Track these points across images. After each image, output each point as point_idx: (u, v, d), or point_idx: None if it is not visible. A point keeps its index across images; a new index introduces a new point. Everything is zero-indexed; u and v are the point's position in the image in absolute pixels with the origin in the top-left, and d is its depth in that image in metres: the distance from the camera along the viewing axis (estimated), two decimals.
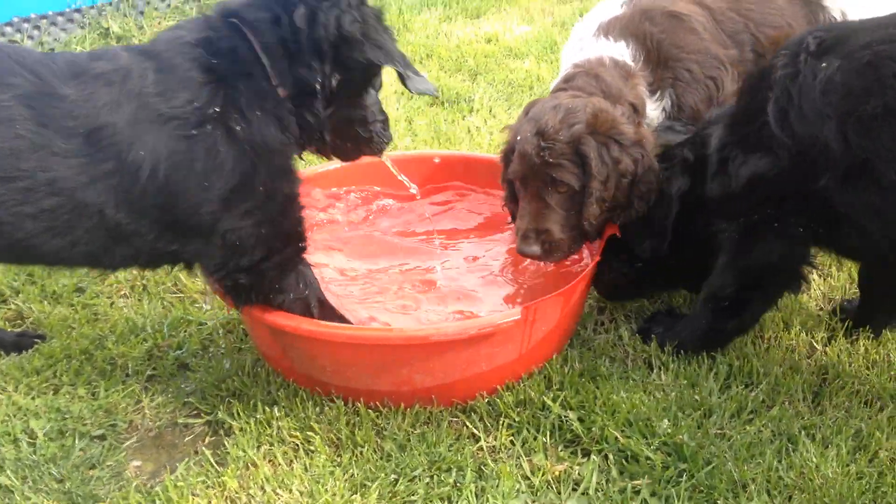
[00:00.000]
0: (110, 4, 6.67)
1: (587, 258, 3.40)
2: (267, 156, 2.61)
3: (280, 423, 2.85)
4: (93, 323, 3.47)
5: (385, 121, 2.95)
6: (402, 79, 2.78)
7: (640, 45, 3.37)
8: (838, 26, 3.18)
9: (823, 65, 2.53)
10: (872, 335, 3.14)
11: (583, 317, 3.31)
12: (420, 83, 2.80)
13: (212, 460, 2.76)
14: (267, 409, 2.90)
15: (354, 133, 2.89)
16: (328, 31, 2.65)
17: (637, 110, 3.26)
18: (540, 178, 3.09)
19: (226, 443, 2.83)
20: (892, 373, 2.96)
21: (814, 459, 2.61)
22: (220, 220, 2.60)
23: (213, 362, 3.20)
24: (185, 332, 3.39)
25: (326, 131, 2.80)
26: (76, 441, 2.87)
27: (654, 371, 3.04)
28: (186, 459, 2.80)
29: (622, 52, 3.37)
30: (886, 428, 2.72)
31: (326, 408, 2.91)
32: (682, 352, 3.08)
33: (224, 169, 2.55)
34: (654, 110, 3.36)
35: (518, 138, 3.14)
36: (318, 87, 2.70)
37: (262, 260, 2.70)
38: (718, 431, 2.75)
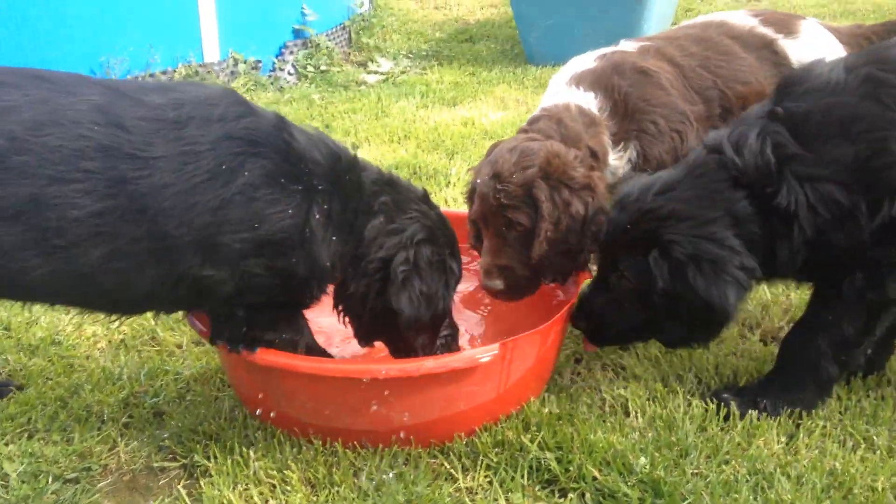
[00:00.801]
0: None
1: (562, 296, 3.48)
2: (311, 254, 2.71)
3: (257, 463, 2.84)
4: (69, 373, 3.46)
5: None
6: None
7: (607, 97, 3.51)
8: None
9: None
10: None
11: (559, 365, 3.34)
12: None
13: (187, 500, 2.73)
14: (244, 450, 2.89)
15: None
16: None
17: (597, 156, 3.38)
18: (498, 217, 3.22)
19: (201, 483, 2.80)
20: (864, 417, 3.00)
21: (789, 496, 2.63)
22: (248, 258, 2.62)
23: (189, 408, 3.19)
24: (162, 381, 3.38)
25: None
26: (49, 483, 2.83)
27: (631, 415, 3.06)
28: (162, 498, 2.76)
29: (589, 101, 3.51)
30: (860, 466, 2.74)
31: (304, 448, 2.90)
32: (800, 411, 3.04)
33: (275, 223, 2.61)
34: (618, 160, 3.47)
35: (478, 180, 3.28)
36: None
37: (267, 301, 2.75)
38: (695, 471, 2.76)
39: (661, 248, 2.81)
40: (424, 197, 3.02)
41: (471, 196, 3.39)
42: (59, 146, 2.43)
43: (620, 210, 2.97)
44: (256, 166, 2.58)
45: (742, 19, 3.92)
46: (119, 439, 3.07)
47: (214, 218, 2.53)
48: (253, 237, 2.58)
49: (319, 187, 2.69)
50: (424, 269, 2.88)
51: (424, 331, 2.97)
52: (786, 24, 3.90)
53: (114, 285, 2.59)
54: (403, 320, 2.86)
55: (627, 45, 3.80)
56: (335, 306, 3.02)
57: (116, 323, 3.77)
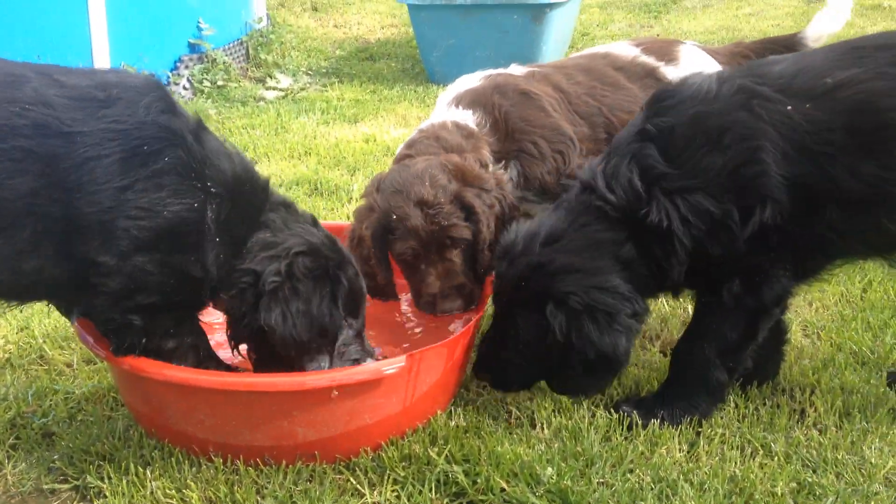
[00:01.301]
0: None
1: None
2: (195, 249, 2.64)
3: (154, 483, 2.73)
4: None
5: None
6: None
7: (487, 115, 3.56)
8: None
9: None
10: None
11: (466, 378, 3.32)
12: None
13: None
14: (140, 469, 2.77)
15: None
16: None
17: (483, 165, 3.41)
18: (437, 242, 3.19)
19: None
20: (761, 425, 3.07)
21: (693, 502, 2.67)
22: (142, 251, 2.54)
23: (81, 428, 3.05)
24: (51, 400, 3.23)
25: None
26: None
27: (537, 427, 3.06)
28: None
29: (467, 118, 3.55)
30: (759, 472, 2.80)
31: (204, 467, 2.80)
32: (699, 418, 3.09)
33: (177, 213, 2.55)
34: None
35: (394, 217, 3.21)
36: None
37: (161, 302, 2.64)
38: (601, 480, 2.78)
39: (556, 300, 2.84)
40: (313, 221, 2.97)
41: (381, 235, 3.29)
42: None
43: (509, 264, 2.97)
44: (173, 156, 2.53)
45: (625, 50, 4.06)
46: (6, 461, 2.91)
47: (119, 199, 2.46)
48: (152, 226, 2.50)
49: (213, 191, 2.63)
50: (301, 282, 2.76)
51: (309, 353, 2.86)
52: (666, 52, 4.04)
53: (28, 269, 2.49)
54: (277, 340, 2.76)
55: (515, 70, 3.86)
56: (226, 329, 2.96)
57: (1, 341, 3.59)
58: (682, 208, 2.78)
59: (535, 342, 2.94)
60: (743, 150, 2.75)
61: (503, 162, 3.49)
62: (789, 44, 4.36)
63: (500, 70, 3.85)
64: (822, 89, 2.75)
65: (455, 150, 3.38)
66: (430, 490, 2.74)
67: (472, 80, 3.76)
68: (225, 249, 2.70)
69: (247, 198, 2.77)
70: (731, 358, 3.04)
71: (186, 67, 8.35)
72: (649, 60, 3.97)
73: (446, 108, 3.62)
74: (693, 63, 3.97)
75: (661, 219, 2.79)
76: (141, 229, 2.49)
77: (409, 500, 2.71)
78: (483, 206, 3.18)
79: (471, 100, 3.60)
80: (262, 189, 2.85)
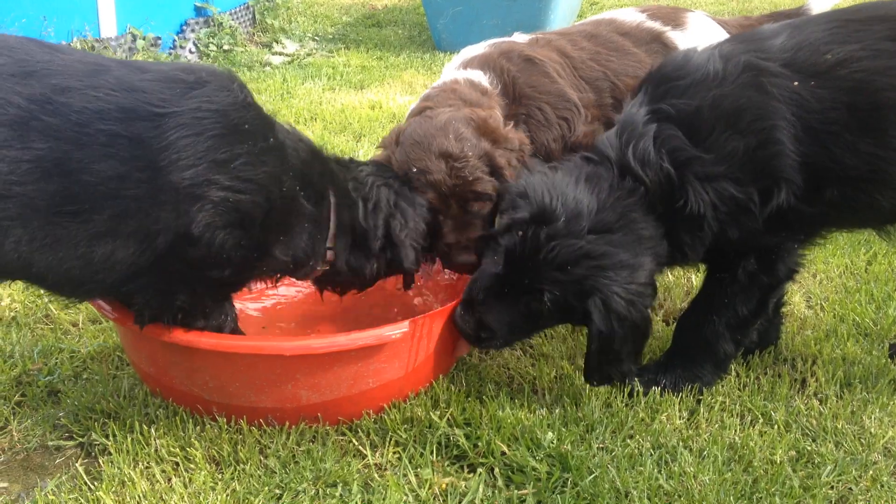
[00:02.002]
0: None
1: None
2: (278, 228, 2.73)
3: (158, 441, 2.76)
4: None
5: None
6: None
7: (497, 77, 3.53)
8: None
9: None
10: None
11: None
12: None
13: (85, 478, 2.64)
14: (145, 428, 2.80)
15: None
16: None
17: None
18: (459, 196, 3.16)
19: (100, 462, 2.70)
20: (762, 394, 3.09)
21: (691, 468, 2.69)
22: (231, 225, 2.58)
23: (86, 386, 3.07)
24: (57, 359, 3.25)
25: None
26: None
27: (539, 393, 3.08)
28: (59, 476, 2.66)
29: (479, 77, 3.51)
30: (759, 440, 2.82)
31: (208, 426, 2.83)
32: (699, 387, 3.11)
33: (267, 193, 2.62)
34: None
35: (414, 169, 3.17)
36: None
37: (229, 278, 2.68)
38: (601, 445, 2.80)
39: (602, 296, 2.79)
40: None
41: None
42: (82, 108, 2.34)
43: (550, 238, 2.81)
44: (274, 137, 2.66)
45: (630, 16, 4.00)
46: (11, 418, 2.94)
47: (218, 171, 2.49)
48: (250, 200, 2.56)
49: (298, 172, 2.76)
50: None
51: None
52: (673, 17, 3.99)
53: (98, 256, 2.45)
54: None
55: (519, 37, 3.84)
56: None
57: (7, 300, 3.61)
58: (711, 195, 2.78)
59: (554, 318, 2.93)
60: (759, 131, 2.74)
61: (511, 125, 3.47)
62: (796, 16, 4.32)
63: (504, 38, 3.83)
64: (825, 66, 2.74)
65: (475, 104, 3.34)
66: (431, 452, 2.77)
67: (477, 48, 3.74)
68: (311, 229, 2.82)
69: (317, 176, 2.88)
70: (741, 331, 3.07)
71: (192, 31, 8.32)
72: (655, 25, 3.93)
73: (455, 70, 3.60)
74: (700, 30, 3.93)
75: (700, 207, 2.78)
76: (238, 202, 2.52)
77: (410, 462, 2.73)
78: (508, 165, 3.16)
79: (480, 63, 3.58)
80: (325, 162, 3.00)
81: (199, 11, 8.45)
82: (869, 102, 2.72)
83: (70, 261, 2.40)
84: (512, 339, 3.04)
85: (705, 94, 2.79)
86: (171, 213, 2.45)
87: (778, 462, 2.71)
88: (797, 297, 3.75)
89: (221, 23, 8.45)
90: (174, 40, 8.16)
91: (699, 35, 3.87)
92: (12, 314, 3.56)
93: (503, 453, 2.74)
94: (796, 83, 2.73)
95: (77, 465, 2.72)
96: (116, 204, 2.38)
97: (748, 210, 2.79)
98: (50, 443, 2.84)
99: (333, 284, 3.11)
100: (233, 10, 8.83)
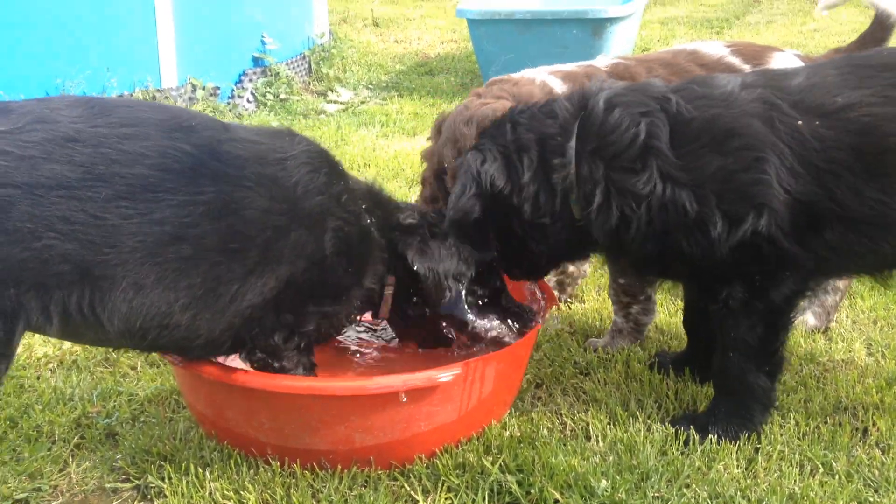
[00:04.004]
0: None
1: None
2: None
3: (213, 484, 2.77)
4: (19, 393, 3.37)
5: None
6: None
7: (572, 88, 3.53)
8: None
9: None
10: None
11: (520, 390, 3.32)
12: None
13: None
14: (199, 470, 2.83)
15: None
16: None
17: None
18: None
19: None
20: (822, 443, 3.02)
21: None
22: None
23: (143, 429, 3.12)
24: (115, 402, 3.31)
25: None
26: None
27: (592, 439, 3.05)
28: None
29: (555, 82, 3.54)
30: (819, 490, 2.76)
31: (262, 469, 2.85)
32: (755, 430, 3.07)
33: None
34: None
35: (445, 164, 3.21)
36: None
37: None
38: (656, 494, 2.76)
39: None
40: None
41: (436, 176, 3.35)
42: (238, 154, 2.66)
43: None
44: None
45: (714, 49, 3.96)
46: (70, 459, 2.99)
47: (332, 203, 2.81)
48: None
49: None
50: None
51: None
52: (757, 55, 3.93)
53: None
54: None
55: (601, 60, 3.85)
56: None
57: (69, 344, 3.69)
58: (666, 194, 2.79)
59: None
60: (744, 157, 2.76)
61: None
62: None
63: (590, 62, 3.86)
64: (832, 108, 2.78)
65: (524, 97, 3.33)
66: (484, 499, 2.74)
67: (568, 65, 3.77)
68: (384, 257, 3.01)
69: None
70: (763, 361, 3.01)
71: (250, 81, 8.51)
72: (735, 61, 3.88)
73: (538, 71, 3.63)
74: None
75: (651, 190, 2.79)
76: (346, 231, 2.83)
77: None
78: None
79: (563, 74, 3.62)
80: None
81: (256, 62, 8.65)
82: (875, 146, 2.75)
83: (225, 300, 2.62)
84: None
85: (707, 110, 2.84)
86: (307, 237, 2.72)
87: None
88: (857, 345, 3.67)
89: (278, 72, 8.63)
90: (232, 90, 8.35)
91: None
92: (73, 357, 3.64)
93: (556, 501, 2.71)
94: (800, 122, 2.76)
95: None
96: (266, 234, 2.64)
97: (702, 229, 2.79)
98: (107, 485, 2.88)
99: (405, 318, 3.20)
100: (289, 60, 9.02)
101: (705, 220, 2.78)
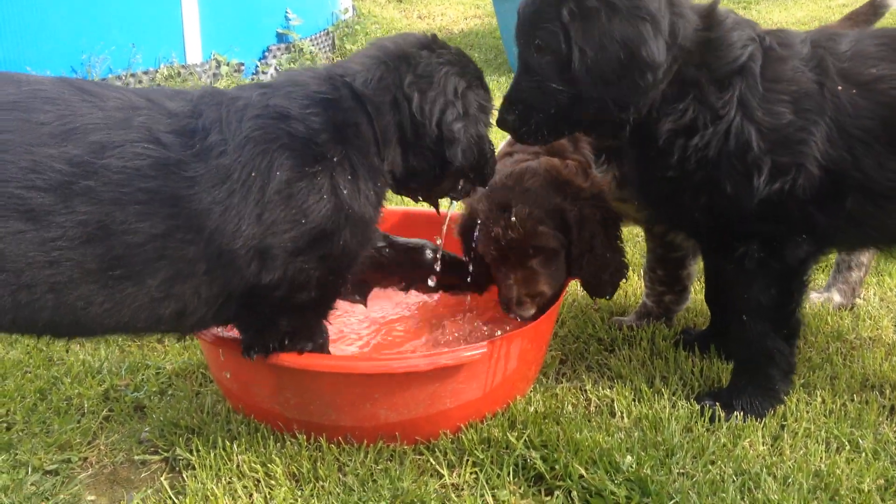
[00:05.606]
0: None
1: None
2: (358, 225, 2.65)
3: (241, 457, 2.80)
4: (48, 366, 3.41)
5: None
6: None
7: None
8: None
9: None
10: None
11: (544, 365, 3.33)
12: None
13: (170, 492, 2.70)
14: (227, 444, 2.85)
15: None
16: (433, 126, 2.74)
17: (583, 168, 3.36)
18: (518, 249, 3.16)
19: (184, 476, 2.77)
20: (848, 420, 3.00)
21: (776, 496, 2.62)
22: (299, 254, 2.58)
23: (171, 402, 3.15)
24: (143, 375, 3.35)
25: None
26: (28, 475, 2.79)
27: (617, 415, 3.05)
28: (144, 489, 2.73)
29: None
30: (845, 467, 2.75)
31: (288, 443, 2.87)
32: (781, 397, 3.09)
33: (318, 213, 2.55)
34: (602, 173, 3.39)
35: (478, 221, 3.21)
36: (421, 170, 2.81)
37: (311, 305, 2.71)
38: (681, 471, 2.76)
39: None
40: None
41: (465, 232, 3.35)
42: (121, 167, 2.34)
43: None
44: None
45: None
46: (99, 432, 3.03)
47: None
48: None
49: None
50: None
51: None
52: None
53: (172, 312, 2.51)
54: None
55: None
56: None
57: None
58: (737, 121, 2.77)
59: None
60: (809, 119, 2.76)
61: (603, 157, 3.43)
62: None
63: None
64: (868, 78, 2.79)
65: (557, 151, 3.35)
66: (508, 474, 2.76)
67: None
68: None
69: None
70: (780, 323, 3.00)
71: (274, 57, 8.52)
72: None
73: None
74: None
75: (728, 113, 2.77)
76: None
77: (487, 483, 2.73)
78: (576, 216, 3.14)
79: None
80: None
81: (280, 38, 8.65)
82: None
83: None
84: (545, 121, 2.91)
85: (793, 63, 2.82)
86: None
87: (866, 491, 2.63)
88: (885, 322, 3.64)
89: (302, 48, 8.63)
90: (256, 66, 8.36)
91: None
92: None
93: (581, 476, 2.71)
94: (840, 87, 2.78)
95: (162, 479, 2.79)
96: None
97: (748, 172, 2.78)
98: (136, 457, 2.91)
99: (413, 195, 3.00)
100: (313, 36, 9.01)
101: (759, 164, 2.77)
